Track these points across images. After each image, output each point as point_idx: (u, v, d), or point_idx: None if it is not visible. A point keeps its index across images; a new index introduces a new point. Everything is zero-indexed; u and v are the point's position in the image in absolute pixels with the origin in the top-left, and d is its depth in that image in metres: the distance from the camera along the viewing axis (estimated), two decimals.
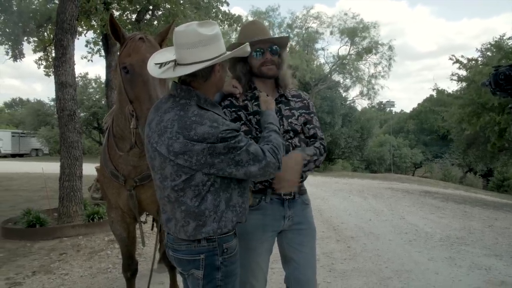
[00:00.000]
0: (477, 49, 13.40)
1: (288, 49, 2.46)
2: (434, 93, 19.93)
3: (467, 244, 5.75)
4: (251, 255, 2.11)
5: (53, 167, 10.53)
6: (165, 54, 1.85)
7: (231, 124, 1.68)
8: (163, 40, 2.52)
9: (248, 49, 1.85)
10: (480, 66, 12.24)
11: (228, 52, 1.75)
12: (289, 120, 2.20)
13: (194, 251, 1.70)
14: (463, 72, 12.94)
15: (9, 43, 10.30)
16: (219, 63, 1.72)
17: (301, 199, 2.25)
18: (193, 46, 1.63)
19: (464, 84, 13.20)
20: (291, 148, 2.16)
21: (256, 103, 2.16)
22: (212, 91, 1.79)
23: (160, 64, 1.74)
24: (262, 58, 2.15)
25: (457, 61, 12.72)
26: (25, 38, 10.57)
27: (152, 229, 4.28)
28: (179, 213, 1.68)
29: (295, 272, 2.19)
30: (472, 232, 6.60)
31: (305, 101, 2.33)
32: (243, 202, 1.80)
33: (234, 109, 2.12)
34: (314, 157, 2.14)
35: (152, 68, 1.78)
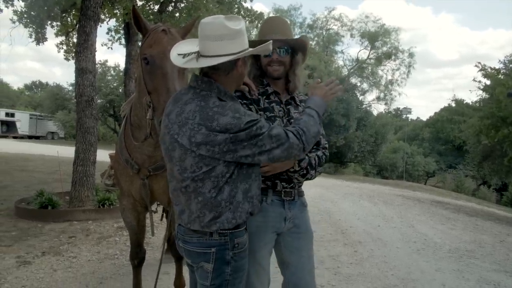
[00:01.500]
0: (500, 60, 13.16)
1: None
2: (452, 103, 19.60)
3: (476, 258, 5.66)
4: (255, 257, 2.07)
5: (67, 151, 10.71)
6: (188, 45, 1.85)
7: (253, 114, 1.69)
8: (186, 33, 2.51)
9: (270, 47, 1.81)
10: (502, 77, 12.00)
11: (251, 49, 1.74)
12: None
13: (205, 243, 1.70)
14: (486, 81, 12.70)
15: (33, 27, 10.45)
16: (241, 59, 1.73)
17: (300, 201, 2.23)
18: (219, 39, 1.64)
19: (485, 95, 12.96)
20: None
21: (267, 100, 2.15)
22: (232, 86, 1.79)
23: (183, 54, 1.75)
24: (269, 57, 2.12)
25: (483, 68, 12.46)
26: (49, 22, 10.71)
27: (161, 219, 4.32)
28: (195, 204, 1.69)
29: (293, 277, 2.17)
30: (482, 246, 6.49)
31: None
32: (259, 195, 1.82)
33: (245, 102, 2.09)
34: (303, 171, 2.09)
35: (175, 57, 1.78)
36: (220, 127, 1.58)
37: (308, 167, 2.10)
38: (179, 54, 1.77)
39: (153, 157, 2.69)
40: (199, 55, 1.69)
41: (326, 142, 2.30)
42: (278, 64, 2.12)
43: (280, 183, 2.12)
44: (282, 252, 2.21)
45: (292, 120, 2.13)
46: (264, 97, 2.15)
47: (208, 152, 1.61)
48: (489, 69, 12.52)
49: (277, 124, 2.04)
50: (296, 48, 2.18)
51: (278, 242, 2.20)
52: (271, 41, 1.82)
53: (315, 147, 2.20)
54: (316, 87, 2.01)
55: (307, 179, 2.15)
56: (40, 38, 10.48)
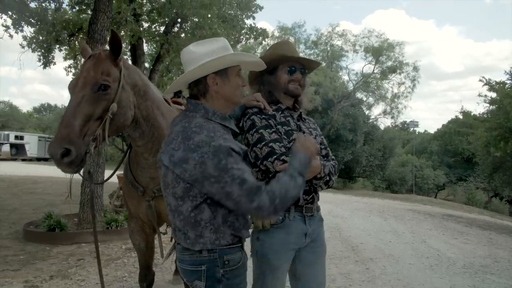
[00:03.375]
0: (505, 71, 13.13)
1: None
2: (460, 115, 19.51)
3: (492, 273, 5.51)
4: (276, 275, 2.09)
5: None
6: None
7: (233, 142, 1.65)
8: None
9: (259, 61, 1.92)
10: (508, 89, 11.94)
11: (209, 59, 1.71)
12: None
13: (196, 261, 1.69)
14: (492, 94, 12.65)
15: (42, 51, 10.66)
16: (212, 76, 1.74)
17: (319, 216, 2.28)
18: (187, 64, 1.76)
19: (492, 107, 12.90)
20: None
21: (282, 115, 2.21)
22: (220, 104, 1.78)
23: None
24: (292, 76, 2.22)
25: (487, 83, 12.43)
26: (57, 46, 10.92)
27: (171, 240, 4.28)
28: (179, 221, 1.69)
29: None
30: (498, 260, 6.34)
31: (315, 124, 2.44)
32: (243, 218, 1.75)
33: (264, 116, 2.13)
34: (326, 177, 2.13)
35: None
36: (194, 145, 1.57)
37: (330, 174, 2.15)
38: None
39: (157, 179, 2.67)
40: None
41: (332, 154, 2.36)
42: (299, 83, 2.25)
43: (302, 196, 2.12)
44: (296, 264, 2.21)
45: (305, 134, 2.19)
46: (280, 112, 2.22)
47: (182, 174, 1.60)
48: (494, 83, 12.48)
49: (296, 136, 2.09)
50: (309, 70, 2.36)
51: (294, 256, 2.21)
52: (260, 59, 1.94)
53: (325, 158, 2.24)
54: (304, 144, 1.81)
55: (329, 186, 2.19)
56: (47, 62, 10.67)
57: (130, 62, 11.55)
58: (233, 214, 1.70)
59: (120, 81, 2.19)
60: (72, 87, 2.14)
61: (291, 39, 32.09)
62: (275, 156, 2.01)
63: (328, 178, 2.13)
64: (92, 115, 2.07)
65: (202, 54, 1.72)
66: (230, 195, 1.56)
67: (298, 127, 2.23)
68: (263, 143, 2.04)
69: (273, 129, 2.11)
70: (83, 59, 2.29)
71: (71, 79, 2.25)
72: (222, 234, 1.67)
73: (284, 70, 2.22)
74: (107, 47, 2.25)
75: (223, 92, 1.77)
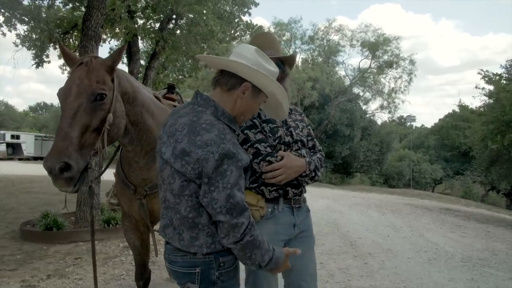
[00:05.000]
0: (501, 65, 13.15)
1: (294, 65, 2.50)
2: (457, 109, 19.56)
3: (490, 266, 5.52)
4: None
5: None
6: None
7: (241, 150, 1.61)
8: (115, 61, 2.18)
9: (284, 94, 1.86)
10: (504, 82, 11.96)
11: (265, 74, 1.69)
12: (296, 131, 2.25)
13: (189, 263, 1.64)
14: (489, 87, 12.67)
15: (36, 49, 10.57)
16: (248, 88, 1.68)
17: (306, 207, 2.32)
18: (257, 63, 1.68)
19: (490, 100, 12.91)
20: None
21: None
22: (229, 106, 1.70)
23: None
24: None
25: (485, 75, 12.44)
26: (51, 44, 10.83)
27: None
28: (175, 220, 1.64)
29: (297, 279, 2.21)
30: (495, 253, 6.35)
31: (302, 115, 2.43)
32: None
33: None
34: (312, 173, 2.16)
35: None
36: (201, 142, 1.53)
37: (315, 169, 2.17)
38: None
39: (148, 179, 2.64)
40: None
41: (319, 145, 2.38)
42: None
43: (291, 190, 2.16)
44: None
45: (291, 129, 2.21)
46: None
47: (182, 168, 1.55)
48: (491, 75, 12.49)
49: (281, 133, 2.13)
50: (285, 62, 2.29)
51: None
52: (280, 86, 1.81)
53: (312, 150, 2.29)
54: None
55: (315, 180, 2.23)
56: (40, 62, 10.57)
57: (125, 59, 11.54)
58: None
59: (114, 90, 2.12)
60: (63, 96, 1.99)
61: (287, 35, 32.02)
62: (260, 158, 2.05)
63: (313, 174, 2.17)
64: (89, 126, 1.98)
65: (261, 63, 1.69)
66: (214, 202, 1.52)
67: (283, 122, 2.21)
68: (248, 144, 2.07)
69: (258, 129, 2.11)
70: (68, 65, 2.17)
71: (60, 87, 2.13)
72: (218, 239, 1.62)
73: None
74: (95, 54, 2.18)
75: (240, 104, 1.71)
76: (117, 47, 12.27)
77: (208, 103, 1.68)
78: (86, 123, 1.96)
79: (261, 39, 2.32)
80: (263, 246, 1.61)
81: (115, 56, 2.18)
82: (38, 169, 21.49)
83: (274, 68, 1.76)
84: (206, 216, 1.60)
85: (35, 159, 37.22)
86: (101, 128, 2.03)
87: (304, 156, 2.18)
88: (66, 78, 2.12)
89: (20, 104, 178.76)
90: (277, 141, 2.13)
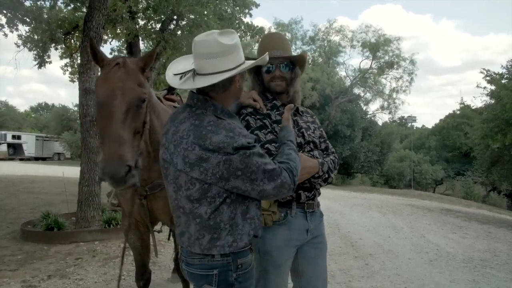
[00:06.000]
0: (502, 65, 13.15)
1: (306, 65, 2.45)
2: (458, 108, 19.59)
3: (491, 267, 5.51)
4: (280, 272, 2.08)
5: (73, 171, 10.71)
6: (183, 63, 1.80)
7: (248, 135, 1.63)
8: (148, 63, 2.21)
9: (267, 58, 1.83)
10: (505, 81, 11.96)
11: (248, 62, 1.71)
12: (308, 133, 2.22)
13: (207, 265, 1.64)
14: (491, 87, 12.66)
15: (37, 50, 10.59)
16: (240, 74, 1.69)
17: (319, 211, 2.27)
18: (214, 56, 1.60)
19: (490, 100, 12.92)
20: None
21: (277, 112, 2.17)
22: (229, 101, 1.76)
23: (180, 74, 1.70)
24: (271, 73, 2.18)
25: (487, 74, 12.43)
26: (53, 45, 10.85)
27: (168, 239, 4.26)
28: (194, 225, 1.63)
29: (307, 285, 2.19)
30: (497, 254, 6.34)
31: (314, 117, 2.40)
32: (261, 214, 1.77)
33: (259, 117, 2.10)
34: (325, 175, 2.14)
35: (171, 78, 1.73)
36: (213, 146, 1.53)
37: (329, 171, 2.14)
38: (175, 74, 1.72)
39: (149, 178, 2.64)
40: (195, 73, 1.65)
41: (332, 147, 2.34)
42: (281, 80, 2.19)
43: (304, 193, 2.12)
44: (298, 261, 2.20)
45: (303, 130, 2.19)
46: (274, 110, 2.19)
47: (201, 175, 1.56)
48: (493, 74, 12.49)
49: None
50: (295, 63, 2.25)
51: (295, 253, 2.21)
52: (267, 53, 1.83)
53: (325, 152, 2.24)
54: (290, 118, 2.00)
55: (328, 183, 2.19)
56: (42, 62, 10.60)
57: None
58: (254, 207, 1.70)
59: (149, 93, 2.19)
60: (107, 98, 1.97)
61: (288, 36, 32.00)
62: (271, 158, 2.01)
63: (327, 176, 2.13)
64: (136, 128, 2.02)
65: (230, 47, 1.62)
66: (255, 182, 1.56)
67: (295, 123, 2.20)
68: (259, 145, 2.04)
69: (268, 129, 2.08)
70: (103, 64, 2.13)
71: (95, 79, 2.16)
72: (239, 236, 1.64)
73: (264, 69, 2.20)
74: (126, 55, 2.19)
75: (240, 89, 1.76)
76: (118, 48, 12.29)
77: (207, 104, 1.67)
78: (133, 126, 2.00)
79: (270, 38, 2.31)
80: (296, 159, 1.74)
81: (147, 58, 2.19)
82: (39, 169, 21.53)
83: (232, 39, 1.65)
84: (227, 212, 1.61)
85: (36, 159, 37.28)
86: (141, 130, 2.09)
87: (317, 158, 2.14)
88: (99, 78, 2.13)
89: (21, 105, 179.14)
90: None
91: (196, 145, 1.55)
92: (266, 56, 1.81)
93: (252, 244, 1.79)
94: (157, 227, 3.31)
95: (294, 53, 2.27)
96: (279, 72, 2.17)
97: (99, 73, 2.16)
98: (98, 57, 2.15)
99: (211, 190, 1.58)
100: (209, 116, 1.63)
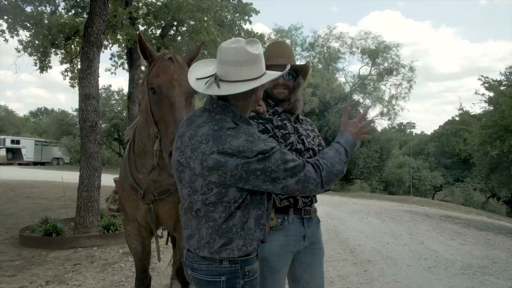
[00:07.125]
0: (500, 72, 13.23)
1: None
2: (457, 114, 19.61)
3: (490, 274, 5.51)
4: (276, 279, 2.08)
5: (72, 177, 10.70)
6: (203, 68, 1.80)
7: (267, 140, 1.63)
8: (192, 59, 2.44)
9: (287, 71, 1.87)
10: (503, 88, 12.02)
11: (270, 72, 1.71)
12: (308, 140, 2.24)
13: (215, 271, 1.64)
14: (489, 94, 12.73)
15: (38, 55, 10.63)
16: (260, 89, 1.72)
17: (316, 218, 2.29)
18: (240, 64, 1.60)
19: (489, 107, 12.98)
20: None
21: (279, 118, 2.20)
22: (248, 109, 1.76)
23: (203, 79, 1.69)
24: (275, 81, 2.16)
25: (486, 81, 12.50)
26: (53, 50, 10.88)
27: (166, 243, 4.26)
28: (205, 229, 1.63)
29: None
30: (496, 261, 6.33)
31: (313, 125, 2.44)
32: (267, 220, 1.78)
33: (261, 121, 2.13)
34: None
35: (194, 82, 1.73)
36: (232, 149, 1.53)
37: None
38: (197, 79, 1.71)
39: (158, 182, 2.66)
40: (218, 79, 1.63)
41: None
42: (283, 87, 2.22)
43: (301, 199, 2.14)
44: (295, 267, 2.22)
45: (303, 137, 2.20)
46: (276, 116, 2.21)
47: (220, 178, 1.56)
48: (491, 81, 12.56)
49: (293, 139, 2.13)
50: (299, 72, 2.28)
51: (292, 259, 2.21)
52: (289, 65, 1.87)
53: None
54: (348, 123, 1.98)
55: (327, 189, 2.18)
56: (43, 67, 10.63)
57: (126, 65, 11.58)
58: (266, 213, 1.71)
59: None
60: (173, 85, 2.28)
61: (287, 42, 32.15)
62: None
63: None
64: None
65: (255, 57, 1.62)
66: (277, 180, 1.57)
67: (295, 130, 2.22)
68: None
69: (270, 134, 2.10)
70: (153, 59, 2.41)
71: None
72: (250, 241, 1.64)
73: None
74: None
75: (259, 98, 1.78)
76: (118, 53, 12.33)
77: (226, 110, 1.67)
78: (188, 114, 2.15)
79: (276, 47, 2.34)
80: (333, 159, 1.72)
81: (193, 55, 2.47)
82: (38, 174, 21.49)
83: (257, 48, 1.65)
84: (240, 216, 1.62)
85: (35, 164, 37.22)
86: None
87: None
88: (152, 70, 2.38)
89: (21, 109, 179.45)
90: (288, 147, 2.10)
91: (215, 150, 1.55)
92: (287, 68, 1.83)
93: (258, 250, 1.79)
94: (158, 232, 3.31)
95: (297, 62, 2.31)
96: (282, 80, 2.19)
97: (143, 68, 2.42)
98: (146, 52, 2.39)
99: (227, 195, 1.59)
100: (228, 122, 1.63)
